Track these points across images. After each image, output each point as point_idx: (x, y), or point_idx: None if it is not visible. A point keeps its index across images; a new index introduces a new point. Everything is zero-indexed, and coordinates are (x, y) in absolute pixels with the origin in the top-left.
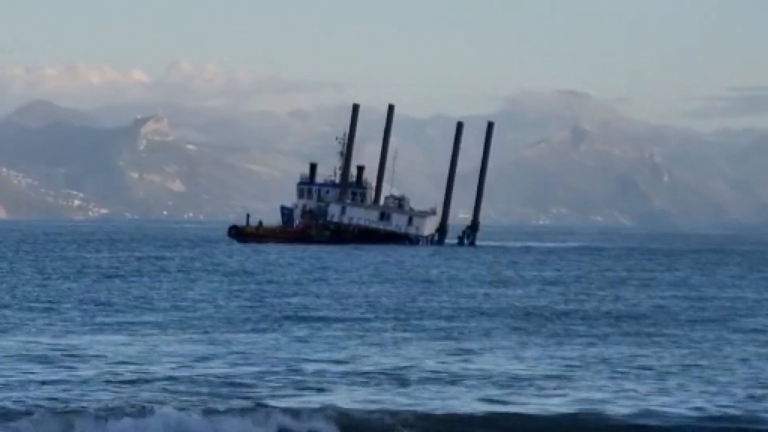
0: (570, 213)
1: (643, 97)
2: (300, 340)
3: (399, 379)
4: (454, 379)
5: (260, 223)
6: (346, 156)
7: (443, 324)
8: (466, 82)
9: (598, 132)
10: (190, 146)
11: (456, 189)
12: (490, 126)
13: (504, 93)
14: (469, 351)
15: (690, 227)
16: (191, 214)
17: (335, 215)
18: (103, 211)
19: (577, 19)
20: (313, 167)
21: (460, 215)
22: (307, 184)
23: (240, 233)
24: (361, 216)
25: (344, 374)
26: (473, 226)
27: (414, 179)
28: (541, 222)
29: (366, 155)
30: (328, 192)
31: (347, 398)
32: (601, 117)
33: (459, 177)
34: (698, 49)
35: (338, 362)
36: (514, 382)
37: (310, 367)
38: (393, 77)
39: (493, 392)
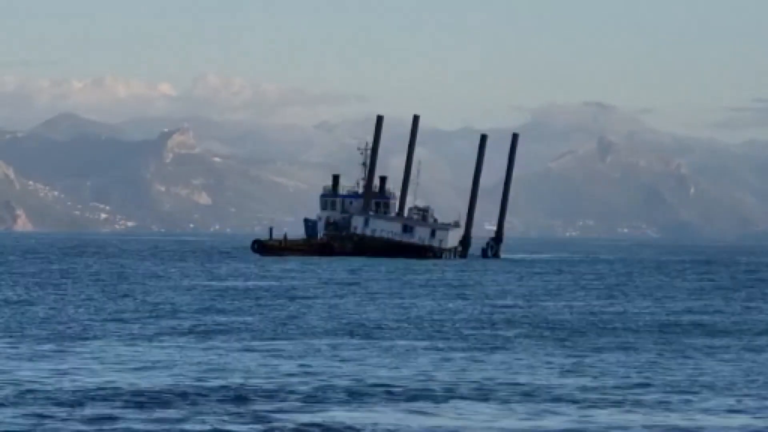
0: (596, 225)
1: (669, 109)
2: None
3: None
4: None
5: (285, 236)
6: (370, 167)
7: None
8: (492, 95)
9: (624, 143)
10: (217, 159)
11: (482, 201)
12: (514, 138)
13: (530, 105)
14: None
15: (717, 238)
16: (218, 227)
17: (358, 227)
18: (130, 224)
19: (602, 31)
20: (335, 179)
21: (487, 227)
22: (331, 195)
23: (263, 247)
24: (384, 228)
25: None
26: (497, 239)
27: (441, 191)
28: (567, 234)
29: (392, 167)
30: (351, 203)
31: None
32: (627, 128)
33: (485, 189)
34: (724, 60)
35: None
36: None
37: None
38: (420, 90)
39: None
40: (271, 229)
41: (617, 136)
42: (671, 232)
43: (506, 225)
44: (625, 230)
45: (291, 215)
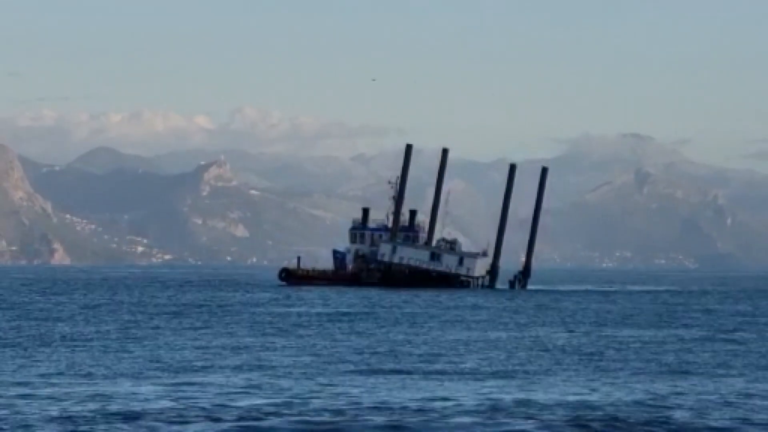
0: (633, 256)
1: (707, 140)
2: None
3: None
4: None
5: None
6: (398, 198)
7: None
8: (529, 126)
9: (662, 175)
10: (254, 192)
11: (518, 232)
12: (543, 172)
13: (567, 136)
14: None
15: (754, 269)
16: (255, 260)
17: (386, 254)
18: (167, 257)
19: (639, 62)
20: (365, 211)
21: (522, 258)
22: (360, 228)
23: (291, 276)
24: (411, 256)
25: None
26: (525, 271)
27: (476, 222)
28: (604, 265)
29: (428, 199)
30: (380, 236)
31: None
32: (664, 159)
33: (521, 220)
34: (762, 91)
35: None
36: None
37: None
38: (456, 122)
39: None
40: (299, 258)
41: (654, 168)
42: (708, 262)
43: (543, 256)
44: (663, 261)
45: (327, 247)
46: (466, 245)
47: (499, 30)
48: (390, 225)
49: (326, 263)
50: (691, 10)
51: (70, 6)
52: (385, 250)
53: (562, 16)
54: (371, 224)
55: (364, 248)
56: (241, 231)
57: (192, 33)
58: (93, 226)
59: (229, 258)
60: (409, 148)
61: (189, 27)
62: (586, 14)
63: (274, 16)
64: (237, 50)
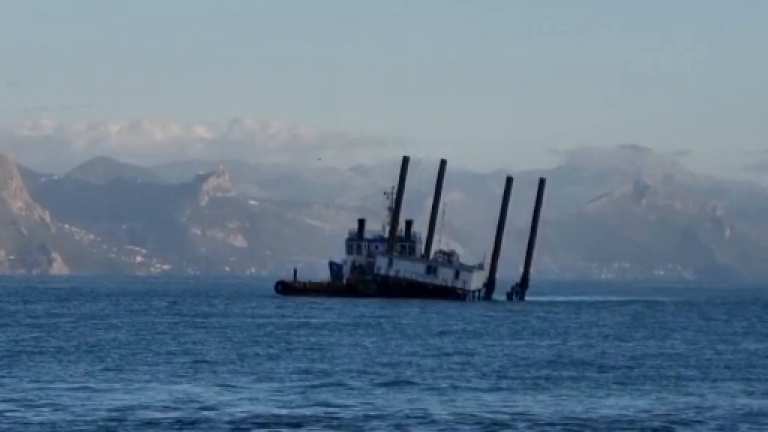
0: (632, 267)
1: (705, 151)
2: None
3: None
4: None
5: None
6: (395, 210)
7: None
8: (527, 137)
9: (660, 186)
10: (252, 202)
11: (518, 243)
12: (541, 184)
13: (566, 147)
14: None
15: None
16: (253, 270)
17: (382, 267)
18: (166, 267)
19: (637, 73)
20: (361, 223)
21: (522, 269)
22: (356, 240)
23: (287, 288)
24: (407, 269)
25: None
26: (522, 283)
27: (476, 233)
28: (603, 276)
29: (427, 210)
30: (377, 247)
31: None
32: (662, 171)
33: (523, 231)
34: (761, 102)
35: None
36: None
37: None
38: (455, 132)
39: None
40: (295, 271)
41: (653, 179)
42: (707, 274)
43: (542, 267)
44: (661, 273)
45: (326, 258)
46: (464, 256)
47: (498, 41)
48: (386, 236)
49: (325, 275)
50: (689, 21)
51: (69, 16)
52: (381, 263)
53: (560, 28)
54: (368, 235)
55: (361, 259)
56: (239, 241)
57: (191, 43)
58: (91, 236)
59: (227, 268)
60: (405, 160)
61: (188, 37)
62: (584, 26)
63: (274, 27)
64: (236, 60)
